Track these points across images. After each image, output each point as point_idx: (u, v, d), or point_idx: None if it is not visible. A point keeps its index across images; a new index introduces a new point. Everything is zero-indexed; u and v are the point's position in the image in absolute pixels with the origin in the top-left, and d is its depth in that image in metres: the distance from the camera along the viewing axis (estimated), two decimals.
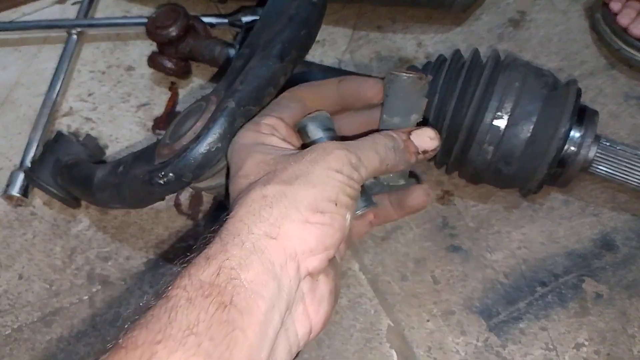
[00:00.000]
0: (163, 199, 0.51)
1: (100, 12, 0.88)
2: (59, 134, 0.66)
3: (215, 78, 0.77)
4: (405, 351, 0.58)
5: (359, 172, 0.40)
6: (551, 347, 0.58)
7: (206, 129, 0.45)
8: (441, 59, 0.64)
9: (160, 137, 0.74)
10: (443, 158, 0.62)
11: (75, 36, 0.82)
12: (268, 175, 0.39)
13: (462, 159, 0.60)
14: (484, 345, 0.58)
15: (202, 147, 0.45)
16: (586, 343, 0.58)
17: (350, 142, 0.42)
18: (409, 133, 0.44)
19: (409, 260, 0.63)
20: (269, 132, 0.44)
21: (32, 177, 0.63)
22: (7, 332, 0.61)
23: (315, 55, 0.81)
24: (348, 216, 0.39)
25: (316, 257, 0.37)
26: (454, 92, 0.59)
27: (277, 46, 0.48)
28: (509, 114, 0.57)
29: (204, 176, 0.47)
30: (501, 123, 0.57)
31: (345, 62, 0.80)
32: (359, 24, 0.84)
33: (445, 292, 0.61)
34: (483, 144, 0.58)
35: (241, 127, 0.45)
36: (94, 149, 0.67)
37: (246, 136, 0.44)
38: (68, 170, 0.62)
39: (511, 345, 0.58)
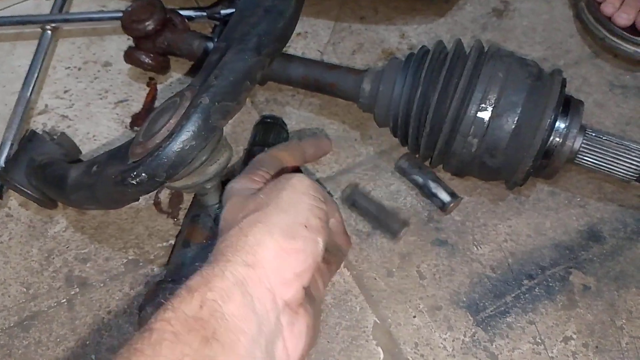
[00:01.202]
0: (137, 200, 0.49)
1: (76, 6, 0.86)
2: (32, 133, 0.64)
3: (192, 72, 0.75)
4: (391, 348, 0.57)
5: (320, 188, 0.43)
6: (539, 340, 0.57)
7: (179, 126, 0.43)
8: (424, 50, 0.62)
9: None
10: (427, 151, 0.61)
11: (49, 32, 0.80)
12: (243, 210, 0.41)
13: (447, 151, 0.59)
14: (472, 340, 0.57)
15: (175, 146, 0.43)
16: (574, 336, 0.57)
17: None
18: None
19: (394, 255, 0.62)
20: (259, 181, 0.47)
21: (6, 177, 0.61)
22: None
23: (297, 47, 0.79)
24: (320, 240, 0.40)
25: (291, 286, 0.38)
26: (437, 84, 0.58)
27: (253, 39, 0.47)
28: (493, 105, 0.56)
29: (179, 175, 0.45)
30: (485, 115, 0.56)
31: (328, 54, 0.78)
32: (342, 15, 0.82)
33: (432, 287, 0.60)
34: (467, 137, 0.57)
35: (216, 124, 0.43)
36: (69, 148, 0.65)
37: (235, 186, 0.46)
38: (42, 170, 0.60)
39: (499, 339, 0.57)
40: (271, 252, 0.37)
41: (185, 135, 0.43)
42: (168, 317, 0.33)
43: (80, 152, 0.67)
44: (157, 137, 0.44)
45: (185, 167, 0.45)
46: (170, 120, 0.44)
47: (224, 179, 0.53)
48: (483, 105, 0.56)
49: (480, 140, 0.57)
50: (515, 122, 0.56)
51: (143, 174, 0.43)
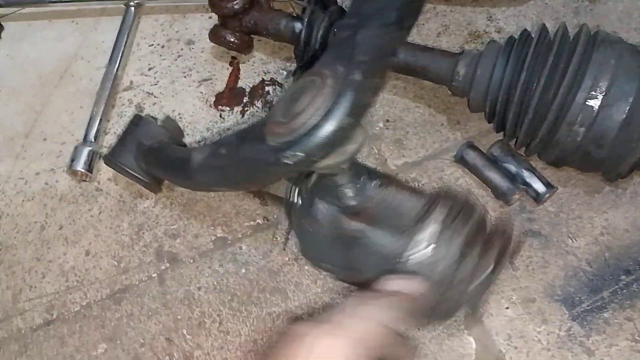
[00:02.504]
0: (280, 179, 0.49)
1: None
2: (138, 117, 0.64)
3: (297, 56, 0.73)
4: (484, 339, 0.56)
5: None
6: (637, 338, 0.55)
7: (335, 104, 0.43)
8: (526, 34, 0.60)
9: (223, 112, 0.72)
10: (526, 139, 0.59)
11: (133, 8, 0.80)
12: None
13: (549, 140, 0.57)
14: (567, 334, 0.56)
15: (334, 124, 0.42)
16: None
17: None
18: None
19: None
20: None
21: (115, 162, 0.62)
22: (76, 309, 0.61)
23: None
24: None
25: None
26: (543, 69, 0.55)
27: (393, 13, 0.46)
28: (603, 93, 0.53)
29: (332, 153, 0.45)
30: (595, 103, 0.54)
31: (412, 36, 0.76)
32: None
33: (525, 278, 0.59)
34: (573, 125, 0.55)
35: (368, 101, 0.43)
36: (174, 131, 0.65)
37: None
38: (154, 153, 0.61)
39: (595, 335, 0.56)
40: None
41: (342, 112, 0.42)
42: None
43: (184, 135, 0.68)
44: (303, 116, 0.44)
45: (342, 146, 0.44)
46: (317, 99, 0.44)
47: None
48: (593, 92, 0.53)
49: (587, 130, 0.54)
50: (626, 112, 0.53)
51: (299, 153, 0.43)
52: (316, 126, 0.43)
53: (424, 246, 0.46)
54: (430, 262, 0.46)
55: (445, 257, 0.45)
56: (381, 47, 0.46)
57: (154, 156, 0.61)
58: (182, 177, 0.54)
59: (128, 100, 0.74)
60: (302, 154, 0.43)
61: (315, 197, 0.55)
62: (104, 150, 0.70)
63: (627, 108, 0.53)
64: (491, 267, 0.45)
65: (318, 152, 0.44)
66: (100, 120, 0.71)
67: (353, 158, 0.51)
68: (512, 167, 0.63)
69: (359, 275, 0.51)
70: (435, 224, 0.46)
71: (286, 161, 0.43)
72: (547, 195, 0.61)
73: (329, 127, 0.43)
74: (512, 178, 0.63)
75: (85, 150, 0.67)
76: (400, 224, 0.49)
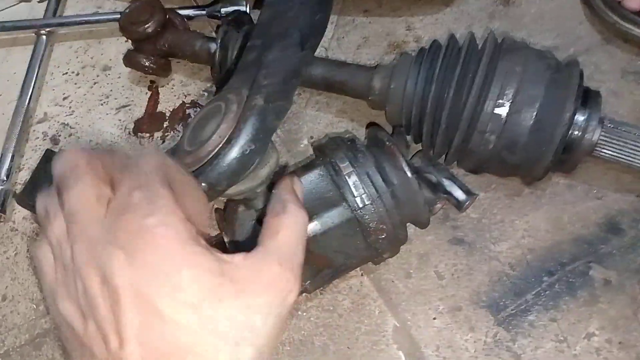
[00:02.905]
0: None
1: (70, 8, 0.83)
2: (50, 152, 0.62)
3: (214, 77, 0.72)
4: (413, 352, 0.56)
5: None
6: (562, 338, 0.56)
7: (237, 130, 0.42)
8: (436, 45, 0.61)
9: (142, 139, 0.71)
10: (442, 149, 0.59)
11: (44, 36, 0.77)
12: None
13: (463, 149, 0.57)
14: (494, 340, 0.57)
15: (236, 152, 0.42)
16: (597, 332, 0.56)
17: None
18: None
19: (411, 256, 0.61)
20: None
21: (27, 201, 0.60)
22: None
23: None
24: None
25: None
26: (452, 80, 0.56)
27: (295, 34, 0.45)
28: (510, 100, 0.54)
29: (239, 181, 0.44)
30: (503, 111, 0.54)
31: (333, 50, 0.76)
32: (344, 8, 0.80)
33: (451, 287, 0.59)
34: (485, 134, 0.55)
35: (272, 126, 0.42)
36: None
37: None
38: None
39: (521, 339, 0.56)
40: None
41: (244, 139, 0.42)
42: None
43: None
44: (209, 144, 0.43)
45: (245, 173, 0.43)
46: (222, 126, 0.43)
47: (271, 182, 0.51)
48: (500, 100, 0.54)
49: (498, 137, 0.55)
50: (534, 117, 0.54)
51: (203, 184, 0.42)
52: (218, 154, 0.43)
53: (358, 201, 0.50)
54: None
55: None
56: (284, 69, 0.45)
57: None
58: None
59: (42, 132, 0.71)
60: (204, 185, 0.43)
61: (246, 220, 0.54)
62: (19, 188, 0.67)
63: (535, 113, 0.54)
64: None
65: (222, 181, 0.43)
66: (13, 156, 0.68)
67: (268, 181, 0.50)
68: (433, 177, 0.63)
69: (350, 262, 0.53)
70: (354, 177, 0.50)
71: None
72: (468, 203, 0.62)
73: (231, 155, 0.43)
74: (434, 188, 0.63)
75: None
76: (330, 200, 0.51)
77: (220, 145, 0.42)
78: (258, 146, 0.43)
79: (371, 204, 0.51)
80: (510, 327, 0.57)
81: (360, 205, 0.50)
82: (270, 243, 0.37)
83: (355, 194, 0.50)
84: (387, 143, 0.53)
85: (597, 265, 0.60)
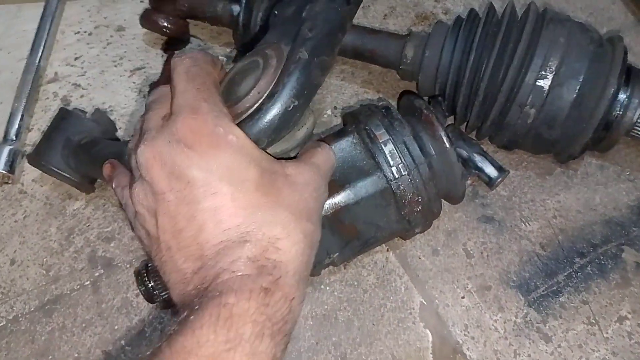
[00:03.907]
0: None
1: None
2: (65, 111, 0.59)
3: (236, 41, 0.68)
4: (440, 330, 0.54)
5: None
6: (593, 321, 0.55)
7: (280, 84, 0.39)
8: (473, 14, 0.58)
9: None
10: (477, 122, 0.57)
11: None
12: None
13: (500, 122, 0.55)
14: (524, 321, 0.55)
15: (279, 107, 0.39)
16: (629, 316, 0.55)
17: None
18: None
19: (439, 233, 0.59)
20: None
21: (40, 161, 0.56)
22: (1, 324, 0.55)
23: None
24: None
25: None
26: (492, 49, 0.54)
27: None
28: (553, 72, 0.52)
29: (280, 139, 0.42)
30: (545, 83, 0.52)
31: (358, 19, 0.73)
32: None
33: (480, 265, 0.57)
34: (524, 106, 0.53)
35: (317, 81, 0.40)
36: (105, 125, 0.60)
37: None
38: (85, 150, 0.56)
39: (552, 320, 0.55)
40: None
41: (288, 94, 0.39)
42: None
43: (117, 129, 0.62)
44: (247, 100, 0.40)
45: (288, 130, 0.41)
46: (260, 82, 0.40)
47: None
48: (543, 72, 0.52)
49: (538, 110, 0.53)
50: (577, 91, 0.52)
51: None
52: (260, 110, 0.40)
53: (394, 171, 0.48)
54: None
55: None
56: (329, 22, 0.42)
57: (85, 153, 0.56)
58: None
59: (53, 93, 0.68)
60: None
61: None
62: (28, 149, 0.64)
63: (578, 87, 0.52)
64: None
65: (263, 137, 0.40)
66: (22, 116, 0.64)
67: (302, 145, 0.47)
68: (464, 152, 0.61)
69: (380, 234, 0.51)
70: (390, 146, 0.48)
71: None
72: (499, 180, 0.59)
73: (273, 111, 0.40)
74: (464, 163, 0.61)
75: (6, 150, 0.61)
76: (363, 168, 0.49)
77: (261, 101, 0.40)
78: (301, 102, 0.40)
79: (408, 174, 0.48)
80: (540, 308, 0.55)
81: (397, 176, 0.48)
82: (308, 159, 0.43)
83: (392, 163, 0.48)
84: (425, 112, 0.51)
85: (629, 248, 0.58)
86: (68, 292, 0.56)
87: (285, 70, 0.40)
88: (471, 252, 0.58)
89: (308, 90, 0.40)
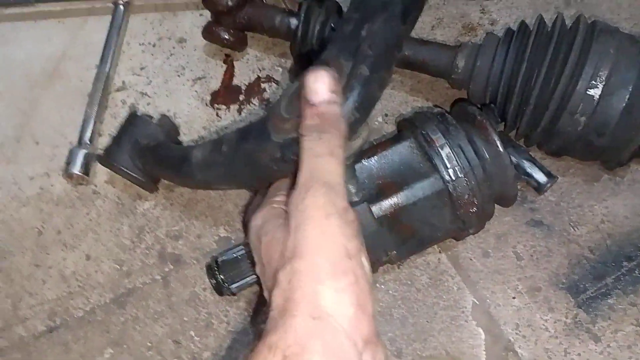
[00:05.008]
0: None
1: None
2: (134, 116, 0.63)
3: (293, 52, 0.72)
4: (492, 329, 0.57)
5: (338, 197, 0.37)
6: None
7: (344, 99, 0.42)
8: (524, 26, 0.61)
9: (219, 111, 0.72)
10: (527, 129, 0.60)
11: (122, 6, 0.78)
12: (276, 255, 0.38)
13: (550, 130, 0.58)
14: (573, 322, 0.57)
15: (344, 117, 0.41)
16: None
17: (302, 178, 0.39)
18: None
19: (489, 236, 0.61)
20: (280, 208, 0.42)
21: (110, 161, 0.61)
22: (79, 315, 0.60)
23: None
24: (364, 259, 0.37)
25: (363, 321, 0.35)
26: (544, 60, 0.56)
27: (399, 6, 0.45)
28: (604, 82, 0.54)
29: None
30: (595, 92, 0.54)
31: None
32: None
33: (530, 268, 0.59)
34: (575, 114, 0.55)
35: (375, 95, 0.43)
36: (170, 130, 0.64)
37: (258, 217, 0.42)
38: (152, 152, 0.60)
39: (601, 321, 0.57)
40: (329, 299, 0.35)
41: (350, 107, 0.42)
42: None
43: (179, 134, 0.67)
44: None
45: (350, 140, 0.44)
46: None
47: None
48: (593, 82, 0.54)
49: (589, 119, 0.55)
50: (626, 100, 0.54)
51: None
52: None
53: (451, 173, 0.51)
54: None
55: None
56: (387, 41, 0.46)
57: (151, 155, 0.60)
58: (182, 175, 0.54)
59: (121, 100, 0.73)
60: None
61: None
62: (99, 153, 0.68)
63: (627, 96, 0.54)
64: None
65: None
66: (94, 121, 0.69)
67: (357, 153, 0.51)
68: (513, 158, 0.63)
69: (435, 234, 0.54)
70: (446, 149, 0.51)
71: (294, 157, 0.42)
72: (548, 185, 0.62)
73: None
74: (515, 168, 0.63)
75: (81, 153, 0.66)
76: (420, 171, 0.52)
77: None
78: (362, 115, 0.43)
79: (464, 176, 0.51)
80: (590, 310, 0.57)
81: (453, 178, 0.51)
82: None
83: (448, 165, 0.51)
84: (479, 117, 0.54)
85: None
86: (140, 286, 0.60)
87: (348, 85, 0.43)
88: (521, 254, 0.60)
89: (368, 104, 0.43)
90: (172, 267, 0.61)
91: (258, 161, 0.45)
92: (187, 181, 0.56)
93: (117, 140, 0.63)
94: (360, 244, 0.37)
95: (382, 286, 0.59)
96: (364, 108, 0.44)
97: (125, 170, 0.62)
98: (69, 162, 0.66)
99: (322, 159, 0.38)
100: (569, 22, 0.60)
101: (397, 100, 0.71)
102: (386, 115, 0.70)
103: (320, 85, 0.40)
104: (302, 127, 0.40)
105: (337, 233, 0.36)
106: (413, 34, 0.76)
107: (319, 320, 0.34)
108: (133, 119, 0.64)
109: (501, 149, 0.53)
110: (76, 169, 0.65)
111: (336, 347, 0.34)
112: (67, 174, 0.66)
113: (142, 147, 0.61)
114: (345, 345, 0.34)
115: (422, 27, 0.77)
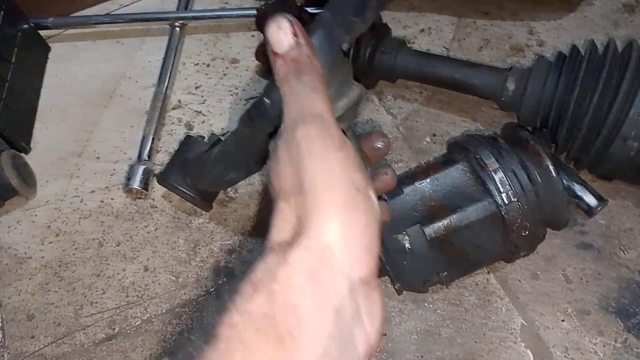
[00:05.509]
0: None
1: (198, 3, 0.88)
2: (188, 137, 0.65)
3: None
4: (541, 351, 0.57)
5: (332, 127, 0.35)
6: None
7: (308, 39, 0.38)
8: (576, 50, 0.61)
9: None
10: (578, 153, 0.60)
11: (178, 29, 0.82)
12: (287, 184, 0.35)
13: (602, 154, 0.58)
14: (623, 346, 0.57)
15: None
16: None
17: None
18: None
19: (538, 258, 0.62)
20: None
21: (167, 181, 0.63)
22: (137, 323, 0.62)
23: (421, 44, 0.79)
24: (372, 194, 0.34)
25: (364, 262, 0.32)
26: (597, 86, 0.56)
27: None
28: None
29: None
30: None
31: (454, 51, 0.78)
32: (464, 10, 0.81)
33: (579, 291, 0.60)
34: (627, 140, 0.55)
35: (339, 39, 0.39)
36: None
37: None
38: (192, 164, 0.62)
39: None
40: (335, 232, 0.32)
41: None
42: (235, 322, 0.30)
43: None
44: None
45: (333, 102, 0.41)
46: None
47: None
48: None
49: None
50: None
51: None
52: None
53: (504, 197, 0.52)
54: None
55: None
56: None
57: (192, 168, 0.62)
58: (204, 176, 0.54)
59: (177, 118, 0.76)
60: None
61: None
62: (157, 168, 0.71)
63: None
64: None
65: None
66: (152, 138, 0.72)
67: (349, 119, 0.45)
68: (564, 181, 0.63)
69: (485, 257, 0.55)
70: (500, 174, 0.53)
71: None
72: (598, 208, 0.62)
73: None
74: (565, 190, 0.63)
75: (141, 169, 0.69)
76: (473, 194, 0.53)
77: None
78: (324, 61, 0.38)
79: (517, 200, 0.52)
80: None
81: (506, 202, 0.52)
82: None
83: (502, 190, 0.52)
84: (531, 142, 0.54)
85: None
86: (195, 298, 0.63)
87: (309, 30, 0.39)
88: (570, 277, 0.60)
89: (331, 49, 0.39)
90: (225, 279, 0.63)
91: (254, 138, 0.43)
92: (208, 183, 0.56)
93: (172, 161, 0.65)
94: (367, 176, 0.35)
95: (431, 305, 0.60)
96: (325, 53, 0.39)
97: (180, 189, 0.64)
98: (129, 177, 0.69)
99: (306, 96, 0.36)
100: (619, 44, 0.60)
101: (445, 120, 0.72)
102: (434, 135, 0.71)
103: (282, 33, 0.37)
104: (278, 79, 0.38)
105: (341, 165, 0.34)
106: (460, 54, 0.78)
107: (317, 253, 0.31)
108: (187, 139, 0.67)
109: (554, 175, 0.53)
110: (136, 184, 0.68)
111: (330, 287, 0.31)
112: (127, 189, 0.69)
113: (189, 162, 0.63)
114: (341, 286, 0.32)
115: (469, 48, 0.78)
